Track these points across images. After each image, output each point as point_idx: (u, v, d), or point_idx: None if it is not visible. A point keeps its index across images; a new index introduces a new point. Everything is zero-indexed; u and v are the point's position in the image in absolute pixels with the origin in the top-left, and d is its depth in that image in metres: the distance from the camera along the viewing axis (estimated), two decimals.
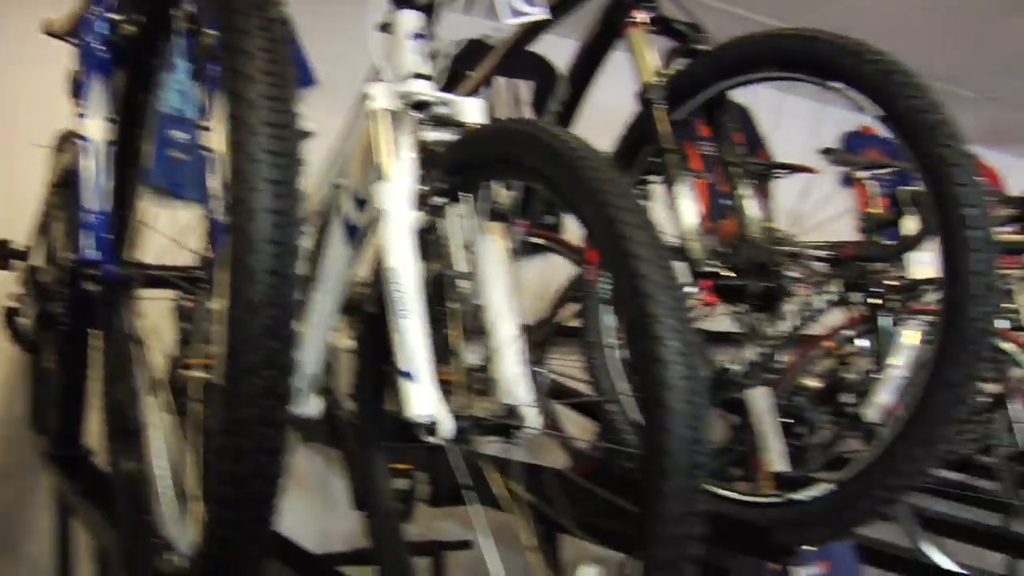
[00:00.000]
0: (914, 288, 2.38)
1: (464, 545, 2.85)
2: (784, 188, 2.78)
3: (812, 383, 2.50)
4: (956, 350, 1.33)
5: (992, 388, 2.86)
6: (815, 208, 2.53)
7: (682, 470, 1.04)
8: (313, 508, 3.34)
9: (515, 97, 3.99)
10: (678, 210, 1.66)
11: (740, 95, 1.84)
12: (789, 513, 1.55)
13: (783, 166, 3.06)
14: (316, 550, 2.63)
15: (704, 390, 1.07)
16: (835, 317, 2.57)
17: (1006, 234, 3.07)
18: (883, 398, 1.46)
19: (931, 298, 2.82)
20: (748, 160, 3.84)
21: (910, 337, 1.51)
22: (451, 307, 1.44)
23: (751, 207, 1.71)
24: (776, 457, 1.61)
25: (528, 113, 3.90)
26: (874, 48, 1.49)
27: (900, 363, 1.46)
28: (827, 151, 2.90)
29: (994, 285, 1.32)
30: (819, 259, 2.44)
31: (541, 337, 2.85)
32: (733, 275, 1.58)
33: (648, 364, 1.06)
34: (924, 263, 2.31)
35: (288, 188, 0.98)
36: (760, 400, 1.67)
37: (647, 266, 1.08)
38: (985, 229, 1.32)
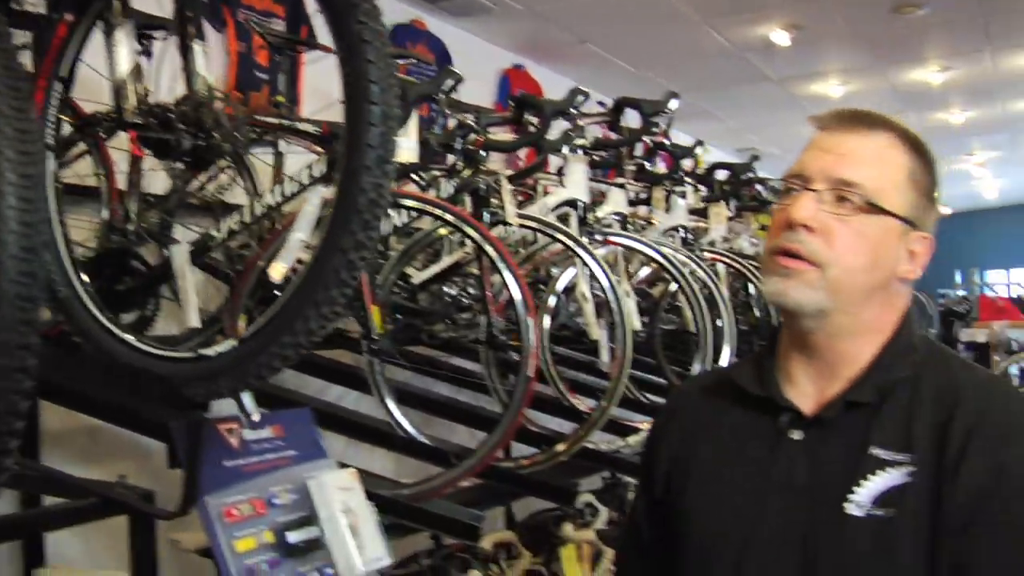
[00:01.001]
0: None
1: None
2: None
3: None
4: (348, 217, 1.41)
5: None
6: None
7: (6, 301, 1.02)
8: None
9: None
10: (113, 58, 1.59)
11: None
12: (199, 368, 1.58)
13: (302, 43, 3.07)
14: None
15: (38, 225, 1.04)
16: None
17: (502, 134, 3.32)
18: (285, 261, 1.52)
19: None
20: (266, 31, 3.82)
21: (313, 203, 1.57)
22: None
23: (202, 67, 1.68)
24: (190, 312, 1.63)
25: None
26: None
27: (304, 228, 1.52)
28: None
29: (388, 159, 1.41)
30: (300, 132, 2.49)
31: None
32: (159, 128, 1.55)
33: None
34: (404, 147, 2.43)
35: None
36: (178, 256, 1.67)
37: None
38: (385, 105, 1.40)
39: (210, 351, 1.56)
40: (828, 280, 1.35)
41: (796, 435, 1.38)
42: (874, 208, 1.35)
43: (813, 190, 1.37)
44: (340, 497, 2.07)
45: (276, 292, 2.66)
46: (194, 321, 1.62)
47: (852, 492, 1.29)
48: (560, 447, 3.12)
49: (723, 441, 1.47)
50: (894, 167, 1.38)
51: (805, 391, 1.42)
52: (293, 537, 1.94)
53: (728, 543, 1.39)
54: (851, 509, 1.29)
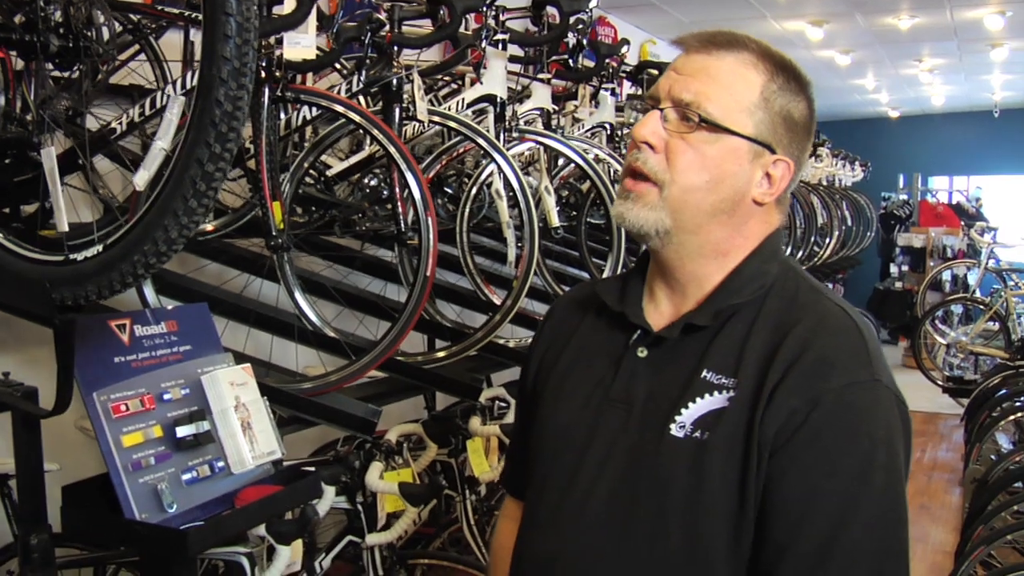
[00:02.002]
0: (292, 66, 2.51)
1: None
2: None
3: None
4: (204, 129, 1.41)
5: None
6: None
7: None
8: None
9: None
10: None
11: None
12: (67, 272, 1.59)
13: None
14: None
15: None
16: None
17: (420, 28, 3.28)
18: (147, 170, 1.52)
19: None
20: None
21: (173, 112, 1.56)
22: None
23: None
24: (60, 217, 1.63)
25: None
26: None
27: (165, 137, 1.51)
28: None
29: (244, 71, 1.40)
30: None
31: None
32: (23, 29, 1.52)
33: None
34: (302, 44, 2.40)
35: None
36: (47, 160, 1.66)
37: None
38: (240, 17, 1.39)
39: (78, 255, 1.56)
40: (667, 199, 1.36)
41: (642, 353, 1.42)
42: (715, 127, 1.35)
43: (660, 109, 1.37)
44: (233, 392, 2.11)
45: None
46: (64, 226, 1.62)
47: (679, 413, 1.33)
48: (441, 351, 3.19)
49: (579, 352, 1.51)
50: (744, 87, 1.36)
51: (663, 311, 1.45)
52: (182, 431, 1.99)
53: (567, 449, 1.44)
54: (674, 429, 1.33)
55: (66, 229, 1.59)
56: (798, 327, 1.33)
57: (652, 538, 1.33)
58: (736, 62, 1.37)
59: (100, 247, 1.52)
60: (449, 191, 4.17)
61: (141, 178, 1.49)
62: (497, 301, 3.72)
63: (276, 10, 2.40)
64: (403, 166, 2.61)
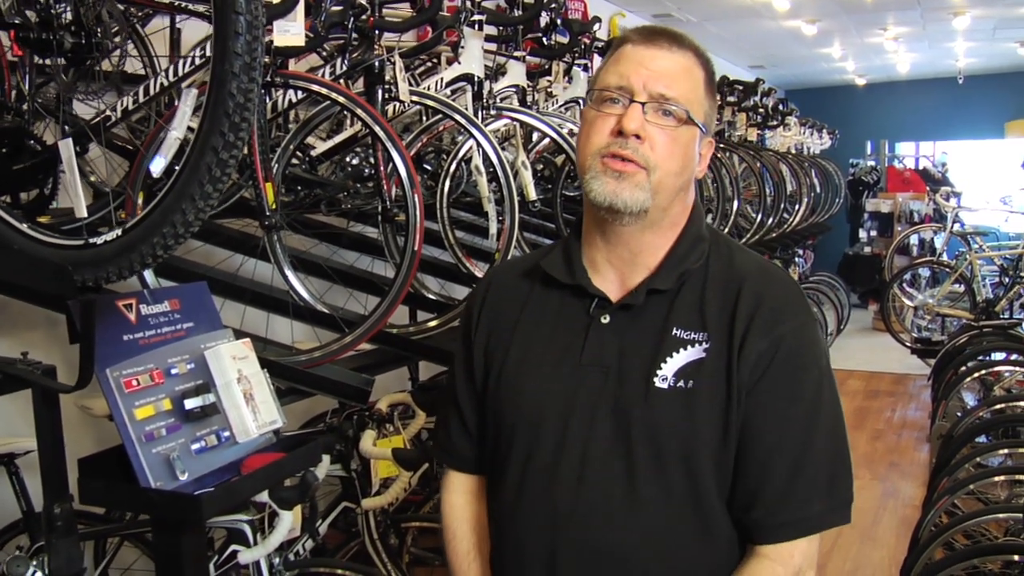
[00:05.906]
0: (281, 52, 2.59)
1: None
2: None
3: None
4: (218, 120, 1.51)
5: None
6: None
7: None
8: None
9: None
10: None
11: None
12: (87, 254, 1.69)
13: None
14: None
15: None
16: None
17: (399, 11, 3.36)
18: (164, 157, 1.61)
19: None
20: None
21: (187, 104, 1.66)
22: None
23: None
24: (78, 204, 1.72)
25: None
26: None
27: (179, 127, 1.61)
28: None
29: (254, 65, 1.51)
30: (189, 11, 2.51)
31: None
32: (37, 26, 1.61)
33: None
34: (291, 32, 2.49)
35: None
36: (65, 150, 1.75)
37: None
38: (249, 15, 1.49)
39: (98, 239, 1.66)
40: (652, 182, 1.52)
41: (605, 319, 1.58)
42: (689, 119, 1.54)
43: (639, 102, 1.51)
44: (235, 365, 2.20)
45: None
46: (82, 211, 1.72)
47: (659, 368, 1.51)
48: (431, 320, 3.30)
49: (539, 325, 1.65)
50: (696, 82, 1.57)
51: (608, 278, 1.62)
52: (190, 404, 2.08)
53: (550, 415, 1.57)
54: (658, 383, 1.51)
55: (84, 215, 1.68)
56: (748, 283, 1.56)
57: (655, 480, 1.51)
58: (687, 59, 1.58)
59: (119, 231, 1.62)
60: (428, 168, 4.27)
61: (158, 165, 1.59)
62: (478, 273, 3.82)
63: None
64: (389, 145, 2.70)
